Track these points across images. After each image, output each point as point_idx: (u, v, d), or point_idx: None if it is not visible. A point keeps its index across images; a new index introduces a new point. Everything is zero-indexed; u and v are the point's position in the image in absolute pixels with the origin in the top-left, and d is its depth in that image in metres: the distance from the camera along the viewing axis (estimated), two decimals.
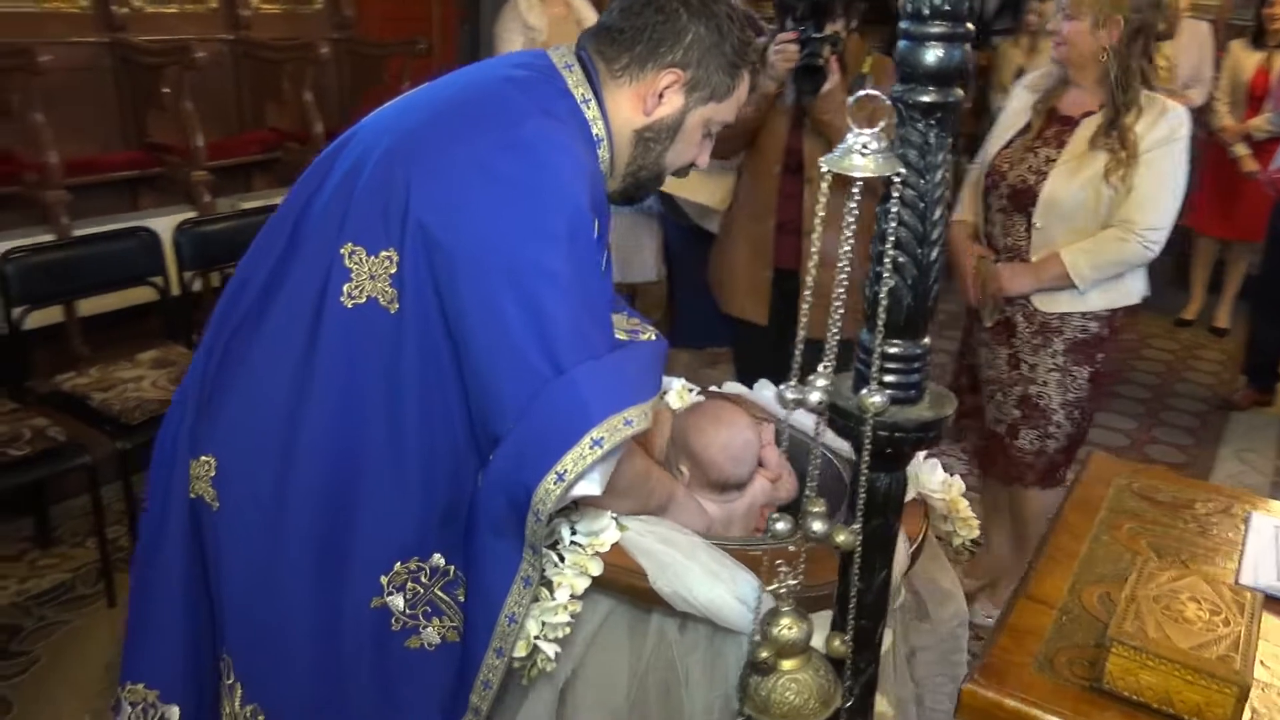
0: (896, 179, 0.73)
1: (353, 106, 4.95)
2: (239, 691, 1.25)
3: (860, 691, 0.87)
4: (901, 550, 1.24)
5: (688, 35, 1.27)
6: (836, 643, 0.84)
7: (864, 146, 0.70)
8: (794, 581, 0.84)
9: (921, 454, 1.41)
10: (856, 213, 2.51)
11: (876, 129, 0.70)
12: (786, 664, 0.84)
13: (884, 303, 0.76)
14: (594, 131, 1.28)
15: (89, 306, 3.21)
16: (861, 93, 0.71)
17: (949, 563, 1.52)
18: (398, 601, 1.23)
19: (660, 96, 1.28)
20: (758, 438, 1.50)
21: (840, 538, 0.81)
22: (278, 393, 1.18)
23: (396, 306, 1.16)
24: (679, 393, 1.63)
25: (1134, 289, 2.27)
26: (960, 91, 0.73)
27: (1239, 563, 1.21)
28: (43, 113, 3.29)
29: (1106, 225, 2.15)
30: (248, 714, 1.25)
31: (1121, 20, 2.09)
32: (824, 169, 0.73)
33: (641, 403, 1.17)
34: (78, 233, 3.33)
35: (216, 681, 1.29)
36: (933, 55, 0.71)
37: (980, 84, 6.66)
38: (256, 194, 4.24)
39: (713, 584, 1.16)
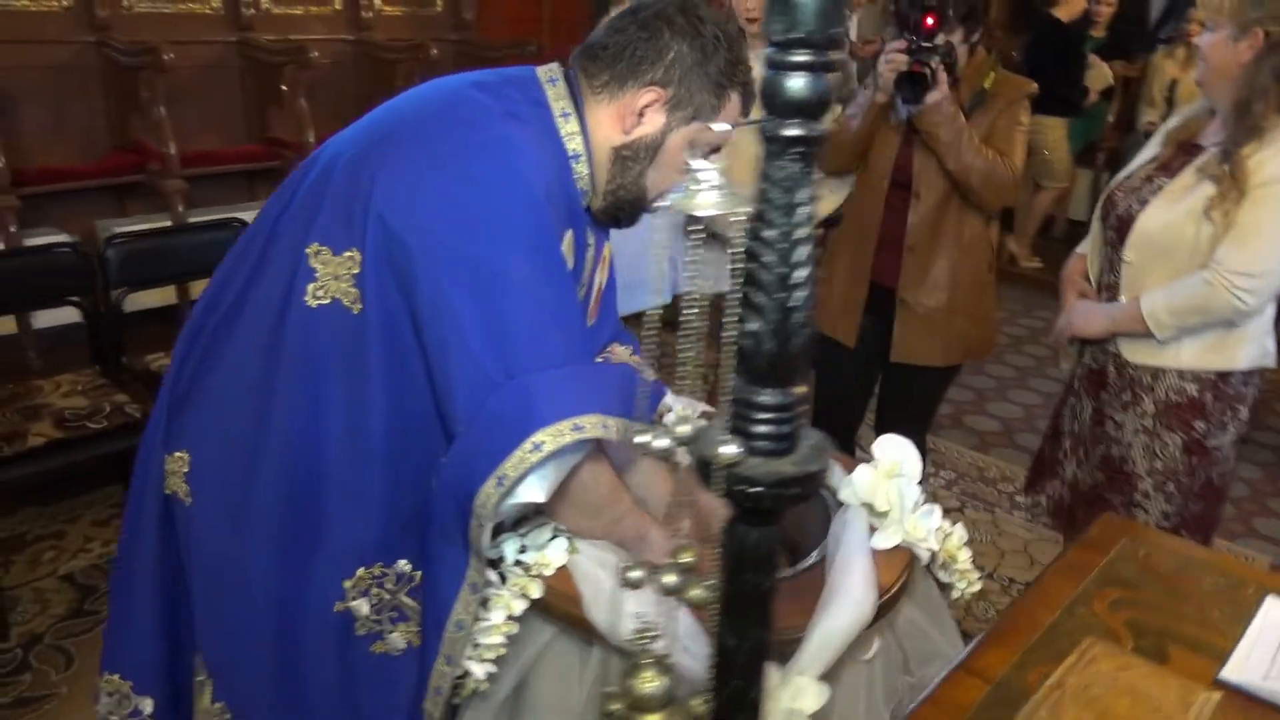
0: (755, 216, 0.68)
1: None
2: (208, 688, 1.28)
3: None
4: (858, 602, 1.17)
5: (669, 53, 1.23)
6: (696, 701, 0.80)
7: (706, 181, 0.66)
8: (657, 632, 0.80)
9: (913, 498, 1.32)
10: (960, 232, 2.37)
11: (718, 162, 0.66)
12: (645, 718, 0.80)
13: (743, 348, 0.71)
14: (571, 147, 1.25)
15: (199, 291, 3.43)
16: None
17: (950, 618, 1.42)
18: (362, 606, 1.23)
19: (640, 115, 1.25)
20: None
21: (694, 593, 0.76)
22: (246, 392, 1.20)
23: (360, 307, 1.16)
24: (680, 413, 1.58)
25: (1249, 352, 1.92)
26: (826, 124, 0.67)
27: (1229, 653, 1.07)
28: (168, 107, 3.53)
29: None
30: (216, 711, 1.27)
31: (1262, 33, 1.83)
32: (682, 213, 0.68)
33: (594, 412, 1.14)
34: (193, 220, 3.56)
35: (191, 677, 1.32)
36: (795, 85, 0.65)
37: (1128, 96, 6.28)
38: None
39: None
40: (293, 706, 1.27)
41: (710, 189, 0.65)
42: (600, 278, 1.44)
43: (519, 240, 1.14)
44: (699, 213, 0.66)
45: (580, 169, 1.27)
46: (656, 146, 1.28)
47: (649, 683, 0.80)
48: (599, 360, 1.48)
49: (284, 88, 3.92)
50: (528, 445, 1.09)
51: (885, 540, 1.29)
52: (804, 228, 0.69)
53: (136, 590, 1.28)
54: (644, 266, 2.82)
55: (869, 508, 1.33)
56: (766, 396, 0.73)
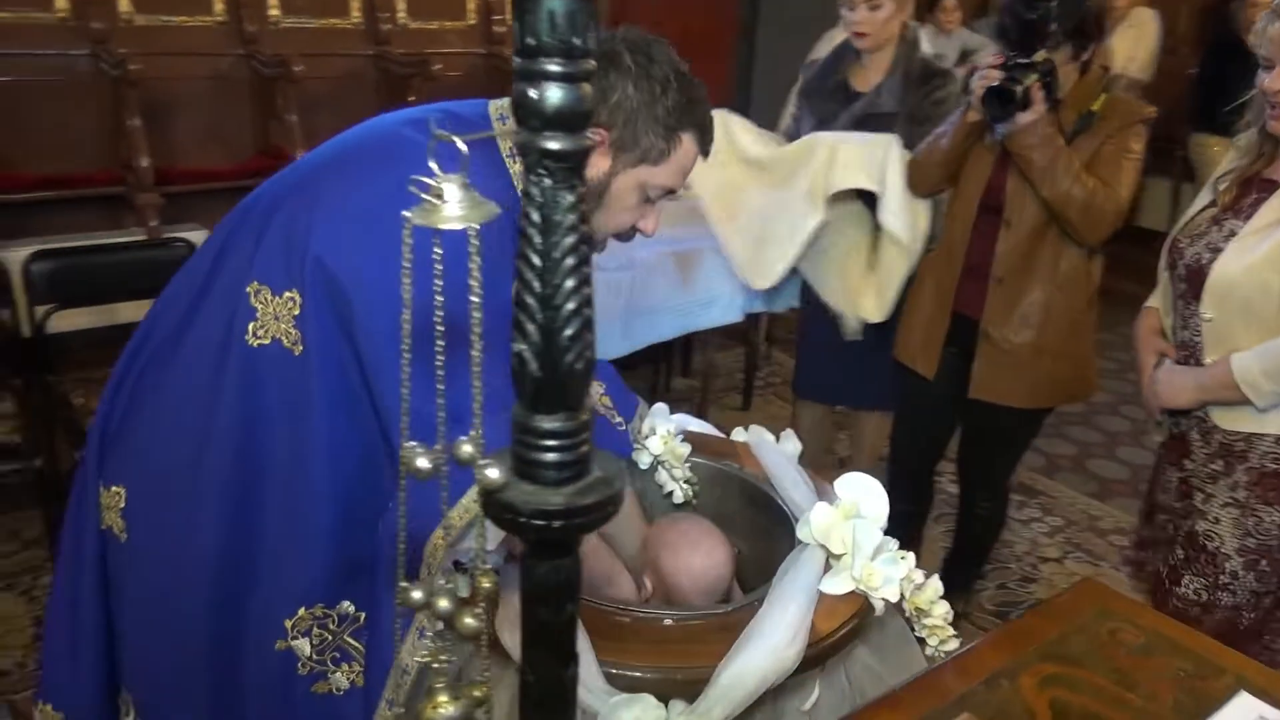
0: (521, 234, 0.65)
1: None
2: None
3: None
4: (775, 647, 1.10)
5: (614, 94, 1.20)
6: (476, 689, 0.77)
7: (444, 195, 0.63)
8: (446, 657, 0.77)
9: (872, 543, 1.24)
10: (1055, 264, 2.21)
11: (459, 174, 0.63)
12: None
13: (513, 370, 0.68)
14: (520, 187, 1.23)
15: None
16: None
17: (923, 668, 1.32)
18: (304, 646, 1.23)
19: None
20: (731, 570, 1.40)
21: (466, 620, 0.73)
22: (185, 430, 1.20)
23: (301, 349, 1.16)
24: (664, 439, 1.54)
25: None
26: (589, 139, 0.63)
27: None
28: (302, 115, 3.77)
29: None
30: None
31: None
32: (408, 221, 0.66)
33: None
34: None
35: (117, 715, 1.32)
36: (550, 96, 0.62)
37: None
38: None
39: None
40: None
41: (455, 204, 0.63)
42: None
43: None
44: (444, 226, 0.63)
45: None
46: (602, 190, 1.25)
47: (442, 707, 0.78)
48: None
49: (411, 99, 4.09)
50: (473, 494, 1.08)
51: (834, 585, 1.21)
52: (568, 247, 0.66)
53: (79, 624, 1.29)
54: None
55: (825, 549, 1.26)
56: (537, 421, 0.69)
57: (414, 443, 0.71)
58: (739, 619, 1.16)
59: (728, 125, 2.64)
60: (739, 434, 1.66)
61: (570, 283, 0.66)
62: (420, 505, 1.09)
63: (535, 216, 0.65)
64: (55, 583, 1.35)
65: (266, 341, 1.17)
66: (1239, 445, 1.75)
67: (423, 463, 0.71)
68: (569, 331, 0.67)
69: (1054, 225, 2.19)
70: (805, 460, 1.55)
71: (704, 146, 1.29)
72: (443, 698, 0.79)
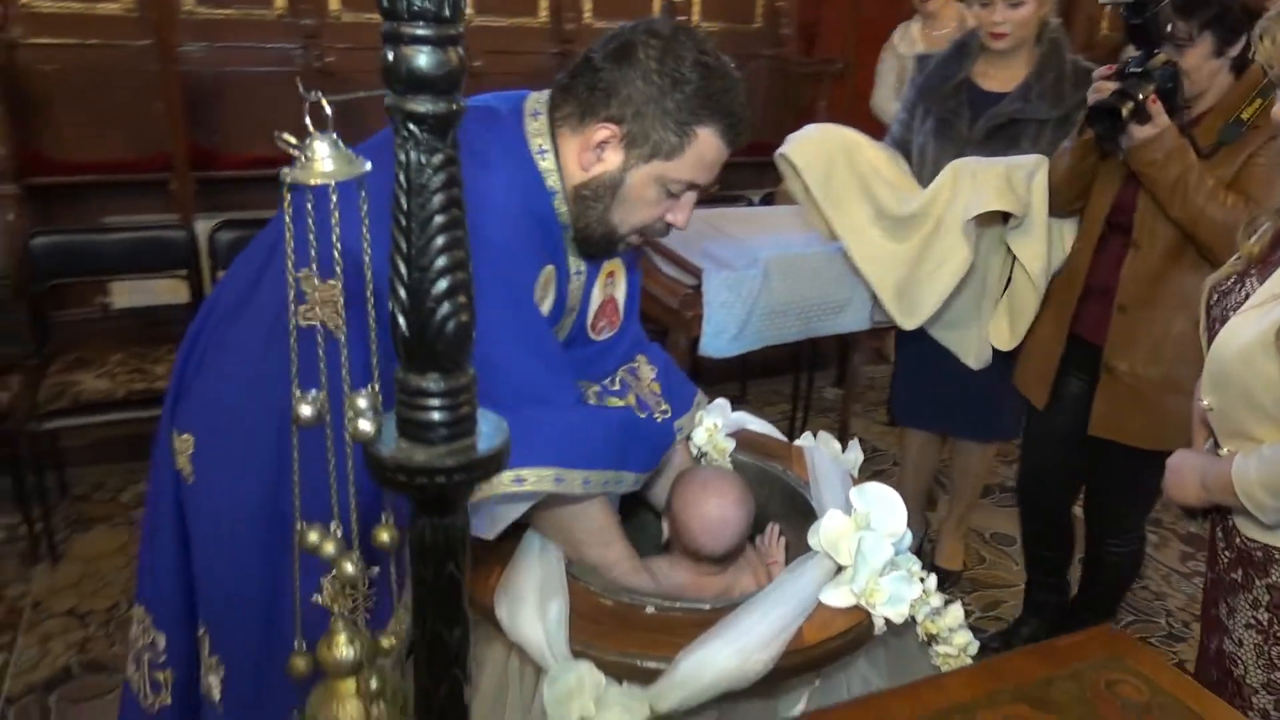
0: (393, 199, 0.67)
1: (780, 124, 5.12)
2: (207, 641, 1.41)
3: None
4: (742, 649, 1.07)
5: (623, 89, 1.19)
6: (384, 639, 0.81)
7: (324, 156, 0.66)
8: (344, 601, 0.81)
9: (882, 558, 1.17)
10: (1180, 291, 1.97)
11: (329, 134, 0.65)
12: (338, 685, 0.81)
13: (400, 328, 0.70)
14: (549, 183, 1.25)
15: None
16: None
17: None
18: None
19: (599, 151, 1.22)
20: (743, 519, 1.37)
21: (345, 568, 0.76)
22: (242, 386, 1.29)
23: (343, 335, 1.24)
24: (709, 430, 1.52)
25: None
26: (459, 103, 0.64)
27: None
28: None
29: None
30: (213, 664, 1.40)
31: None
32: (284, 178, 0.68)
33: (549, 465, 1.17)
34: None
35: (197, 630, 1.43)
36: (418, 60, 0.64)
37: None
38: None
39: (532, 621, 1.12)
40: (277, 667, 1.34)
41: (325, 159, 0.66)
42: (606, 294, 1.43)
43: (487, 285, 1.17)
44: (315, 181, 0.66)
45: (559, 205, 1.27)
46: (616, 185, 1.25)
47: (341, 647, 0.82)
48: (623, 372, 1.46)
49: None
50: (509, 475, 1.14)
51: (833, 597, 1.16)
52: (436, 207, 0.67)
53: (159, 537, 1.43)
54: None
55: (832, 559, 1.21)
56: (409, 379, 0.71)
57: (299, 392, 0.75)
58: (722, 616, 1.13)
59: (854, 161, 2.49)
60: (805, 439, 1.61)
61: (439, 241, 0.68)
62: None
63: (402, 178, 0.67)
64: (147, 500, 1.51)
65: (315, 323, 1.24)
66: (1258, 554, 1.43)
67: (305, 410, 0.75)
68: (436, 291, 0.68)
69: (1190, 248, 1.97)
70: (905, 488, 1.47)
71: (730, 139, 1.26)
72: (340, 638, 0.83)
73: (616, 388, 1.43)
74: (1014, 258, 2.36)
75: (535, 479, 1.16)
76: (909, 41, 4.10)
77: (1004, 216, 2.32)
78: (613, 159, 1.24)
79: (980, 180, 2.25)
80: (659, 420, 1.43)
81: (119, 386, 2.79)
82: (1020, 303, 2.37)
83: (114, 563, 2.81)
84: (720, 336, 2.48)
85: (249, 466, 1.31)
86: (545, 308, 1.31)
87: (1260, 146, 1.89)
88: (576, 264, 1.36)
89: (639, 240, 1.37)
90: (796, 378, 3.85)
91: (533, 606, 1.10)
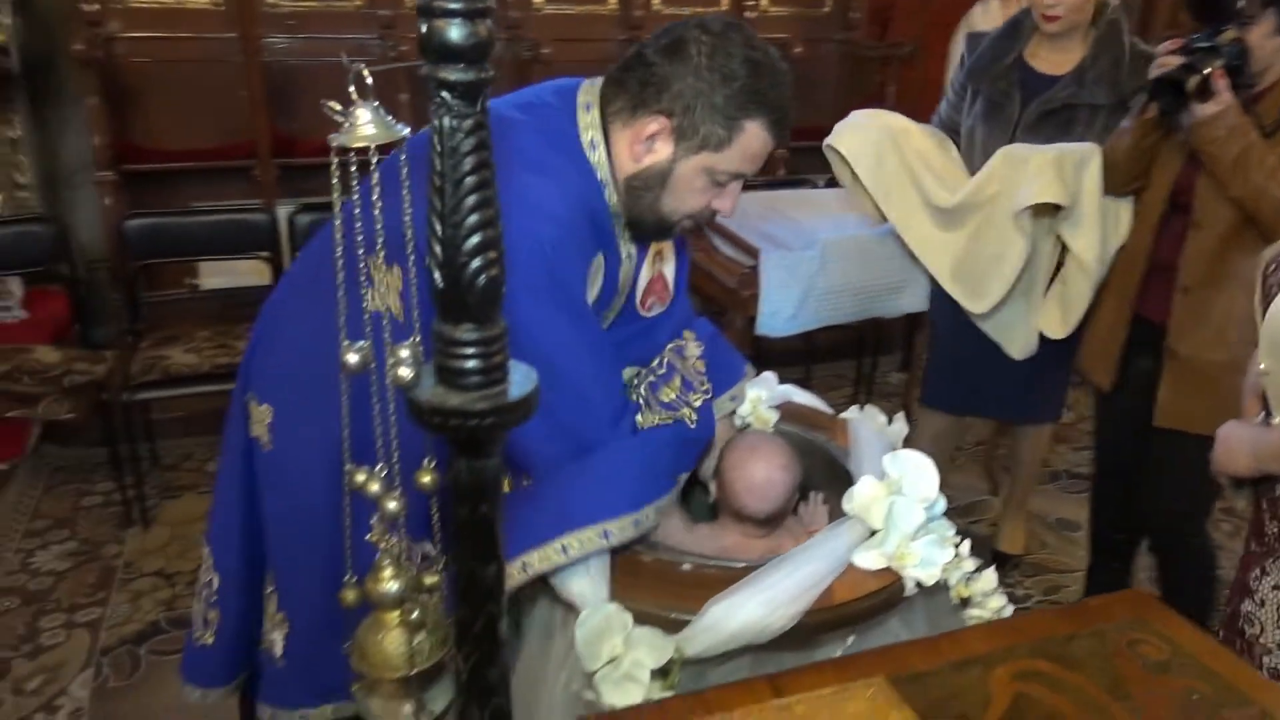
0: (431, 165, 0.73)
1: (848, 108, 5.09)
2: (275, 599, 1.50)
3: (472, 671, 0.85)
4: (768, 601, 1.11)
5: (675, 83, 1.23)
6: (428, 577, 0.87)
7: (365, 121, 0.72)
8: (395, 539, 0.87)
9: (913, 522, 1.20)
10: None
11: (370, 102, 0.71)
12: (384, 616, 0.88)
13: (436, 282, 0.76)
14: (600, 175, 1.30)
15: None
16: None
17: None
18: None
19: (650, 143, 1.26)
20: (788, 482, 1.40)
21: (389, 504, 0.82)
22: (318, 358, 1.30)
23: (404, 319, 1.23)
24: (753, 402, 1.55)
25: None
26: (488, 71, 0.70)
27: None
28: None
29: None
30: (279, 619, 1.49)
31: None
32: (331, 142, 0.74)
33: (625, 513, 1.23)
34: None
35: (263, 588, 1.53)
36: (451, 32, 0.70)
37: None
38: None
39: (578, 572, 1.18)
40: (342, 627, 1.45)
41: (366, 124, 0.72)
42: (654, 271, 1.48)
43: (541, 291, 1.22)
44: (357, 144, 0.73)
45: (610, 196, 1.32)
46: (665, 175, 1.29)
47: (387, 581, 0.89)
48: (669, 352, 1.50)
49: None
50: (556, 545, 1.19)
51: (864, 559, 1.19)
52: (468, 168, 0.73)
53: (226, 494, 1.53)
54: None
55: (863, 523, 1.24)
56: (445, 329, 0.77)
57: (348, 342, 0.82)
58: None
59: (902, 149, 2.46)
60: (852, 412, 1.64)
61: (470, 200, 0.73)
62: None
63: (436, 142, 0.73)
64: (222, 448, 1.60)
65: (381, 308, 1.28)
66: None
67: (352, 357, 0.81)
68: (468, 246, 0.74)
69: (1250, 227, 1.93)
70: None
71: (776, 132, 1.30)
72: (386, 573, 0.90)
73: (663, 372, 1.46)
74: (1062, 246, 2.32)
75: (579, 543, 1.20)
76: (990, 18, 4.01)
77: (1055, 206, 2.27)
78: (663, 150, 1.28)
79: (1031, 170, 2.21)
80: (698, 403, 1.47)
81: (205, 361, 2.95)
82: (1074, 292, 2.32)
83: (199, 528, 2.94)
84: (777, 316, 2.51)
85: (324, 435, 1.39)
86: (593, 293, 1.36)
87: None
88: (627, 249, 1.41)
89: (691, 225, 1.41)
90: (859, 362, 3.85)
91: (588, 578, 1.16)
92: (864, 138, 2.45)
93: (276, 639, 1.50)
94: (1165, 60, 1.90)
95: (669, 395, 1.45)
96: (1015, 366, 2.46)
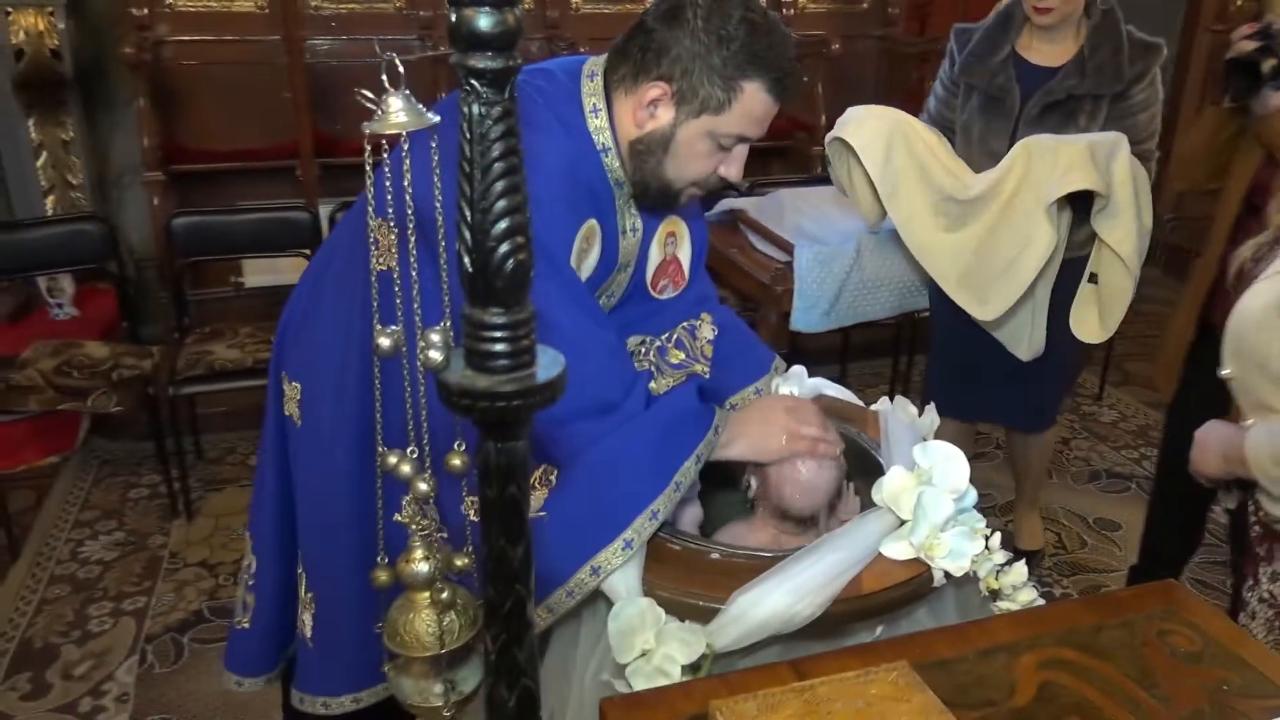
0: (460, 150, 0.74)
1: (887, 104, 5.05)
2: (305, 579, 1.53)
3: (500, 651, 0.87)
4: (794, 590, 1.12)
5: (673, 48, 1.25)
6: (459, 559, 0.89)
7: (397, 109, 0.74)
8: (426, 520, 0.89)
9: (943, 513, 1.20)
10: None
11: (402, 90, 0.73)
12: (415, 596, 0.90)
13: (465, 266, 0.78)
14: (600, 140, 1.33)
15: None
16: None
17: None
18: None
19: (651, 109, 1.28)
20: (834, 481, 1.40)
21: (419, 485, 0.84)
22: (340, 331, 1.39)
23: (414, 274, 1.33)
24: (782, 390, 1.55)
25: None
26: (516, 60, 0.71)
27: None
28: None
29: None
30: (308, 600, 1.51)
31: None
32: (365, 129, 0.76)
33: (636, 517, 1.22)
34: None
35: (297, 566, 1.55)
36: (479, 20, 0.72)
37: None
38: (768, 176, 4.62)
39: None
40: (366, 607, 1.42)
41: (398, 112, 0.74)
42: (668, 253, 1.49)
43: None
44: (390, 131, 0.74)
45: (610, 161, 1.34)
46: (668, 140, 1.31)
47: (418, 562, 0.90)
48: (681, 330, 1.51)
49: None
50: (586, 570, 1.20)
51: (893, 549, 1.19)
52: (497, 154, 0.74)
53: (263, 473, 1.57)
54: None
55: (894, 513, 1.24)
56: (474, 313, 0.78)
57: (379, 326, 0.84)
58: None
59: (911, 142, 2.36)
60: (882, 403, 1.63)
61: (498, 186, 0.75)
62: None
63: (465, 129, 0.74)
64: (262, 438, 1.64)
65: (385, 269, 1.32)
66: (1278, 528, 1.40)
67: (384, 341, 0.83)
68: (496, 231, 0.75)
69: None
70: None
71: (777, 93, 1.30)
72: (418, 554, 0.91)
73: (671, 343, 1.48)
74: (1098, 243, 2.27)
75: (638, 531, 1.20)
76: None
77: (1071, 199, 2.21)
78: (664, 115, 1.30)
79: (1062, 158, 2.15)
80: (698, 369, 1.47)
81: (248, 356, 3.01)
82: (1112, 291, 2.26)
83: (241, 520, 3.02)
84: (811, 312, 2.50)
85: (350, 410, 1.42)
86: (590, 261, 1.38)
87: None
88: (631, 221, 1.42)
89: (698, 193, 1.43)
90: (895, 359, 3.82)
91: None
92: (874, 130, 2.36)
93: (307, 620, 1.53)
94: (1241, 44, 1.85)
95: (678, 357, 1.46)
96: (1018, 369, 2.40)
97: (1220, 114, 2.00)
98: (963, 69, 2.40)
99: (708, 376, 1.48)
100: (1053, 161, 2.16)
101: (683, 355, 1.45)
